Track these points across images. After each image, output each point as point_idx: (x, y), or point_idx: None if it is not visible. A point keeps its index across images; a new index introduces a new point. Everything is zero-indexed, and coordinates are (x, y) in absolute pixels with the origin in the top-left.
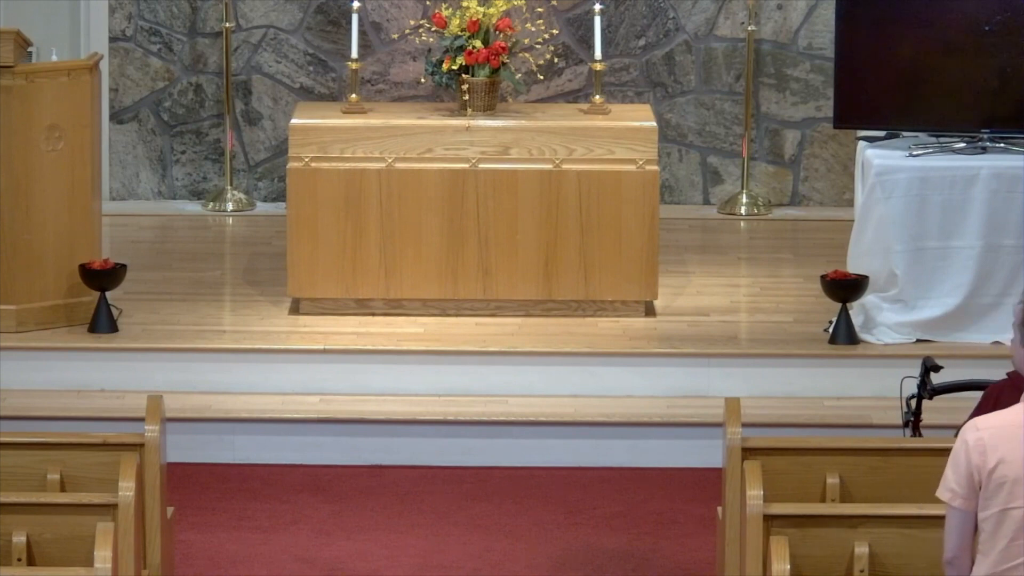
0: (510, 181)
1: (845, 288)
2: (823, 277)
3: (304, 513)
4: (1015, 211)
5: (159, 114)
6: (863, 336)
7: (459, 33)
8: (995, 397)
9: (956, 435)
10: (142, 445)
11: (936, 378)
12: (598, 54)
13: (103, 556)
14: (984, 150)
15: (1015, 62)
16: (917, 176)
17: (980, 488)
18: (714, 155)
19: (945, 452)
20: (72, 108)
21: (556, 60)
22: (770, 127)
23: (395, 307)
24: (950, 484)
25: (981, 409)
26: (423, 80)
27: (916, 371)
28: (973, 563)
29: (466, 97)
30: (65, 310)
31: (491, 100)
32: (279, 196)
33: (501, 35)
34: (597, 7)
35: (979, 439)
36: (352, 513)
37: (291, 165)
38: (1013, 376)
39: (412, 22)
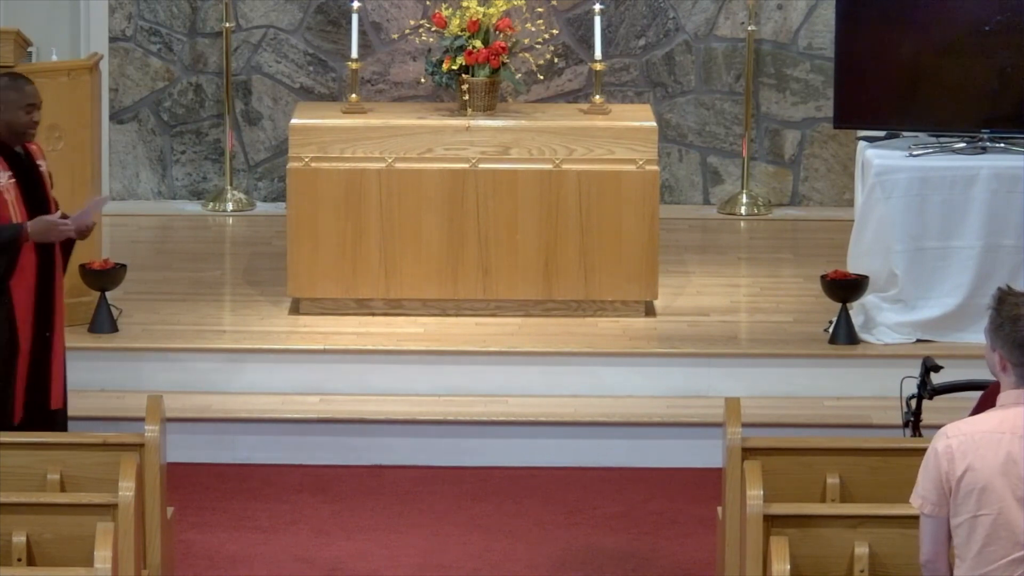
0: (510, 181)
1: (845, 288)
2: (823, 277)
3: (304, 513)
4: (1015, 211)
5: (159, 114)
6: (863, 336)
7: (459, 33)
8: (992, 400)
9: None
10: (142, 445)
11: (936, 378)
12: (598, 54)
13: (103, 556)
14: (984, 150)
15: (1015, 62)
16: (917, 176)
17: (950, 495)
18: (714, 155)
19: None
20: (72, 108)
21: (556, 60)
22: (770, 127)
23: (395, 307)
24: (920, 491)
25: (979, 411)
26: (423, 80)
27: (916, 371)
28: (951, 566)
29: (466, 97)
30: (65, 310)
31: (491, 100)
32: (279, 196)
33: (501, 35)
34: (597, 7)
35: (948, 446)
36: (352, 513)
37: (291, 165)
38: None
39: (412, 22)
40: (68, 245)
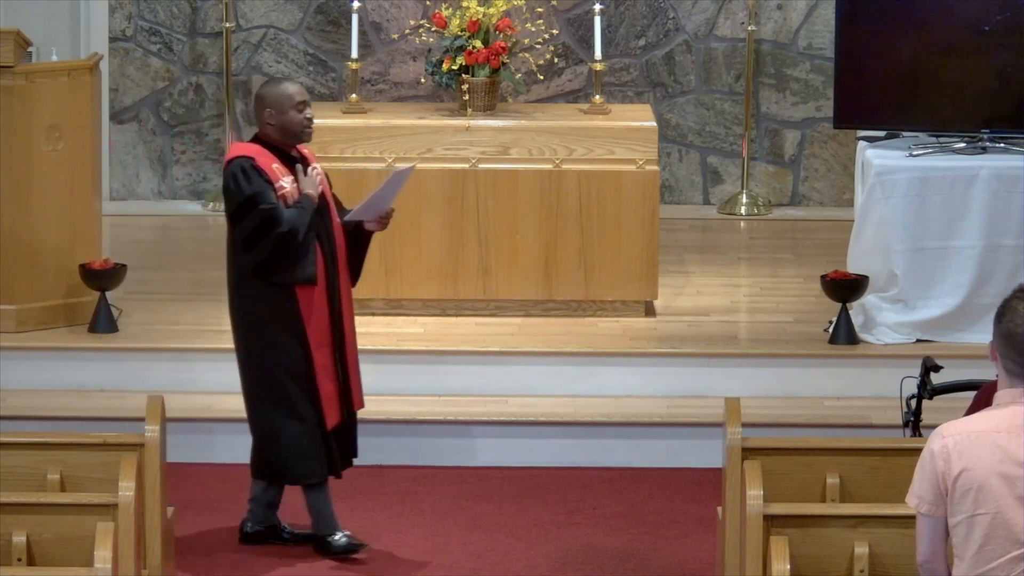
0: (510, 181)
1: (845, 288)
2: (823, 277)
3: (304, 513)
4: (1015, 211)
5: (159, 114)
6: (863, 336)
7: (459, 33)
8: (986, 399)
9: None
10: (142, 445)
11: (936, 378)
12: (598, 54)
13: (103, 556)
14: (984, 150)
15: (1015, 62)
16: (917, 176)
17: (947, 494)
18: (714, 155)
19: None
20: (72, 108)
21: (556, 60)
22: (770, 127)
23: (395, 307)
24: (916, 490)
25: (974, 410)
26: (423, 80)
27: (916, 371)
28: (949, 565)
29: (466, 97)
30: (65, 310)
31: (491, 100)
32: None
33: (501, 35)
34: (597, 7)
35: (943, 446)
36: (352, 513)
37: None
38: None
39: (412, 22)
40: (360, 243)
